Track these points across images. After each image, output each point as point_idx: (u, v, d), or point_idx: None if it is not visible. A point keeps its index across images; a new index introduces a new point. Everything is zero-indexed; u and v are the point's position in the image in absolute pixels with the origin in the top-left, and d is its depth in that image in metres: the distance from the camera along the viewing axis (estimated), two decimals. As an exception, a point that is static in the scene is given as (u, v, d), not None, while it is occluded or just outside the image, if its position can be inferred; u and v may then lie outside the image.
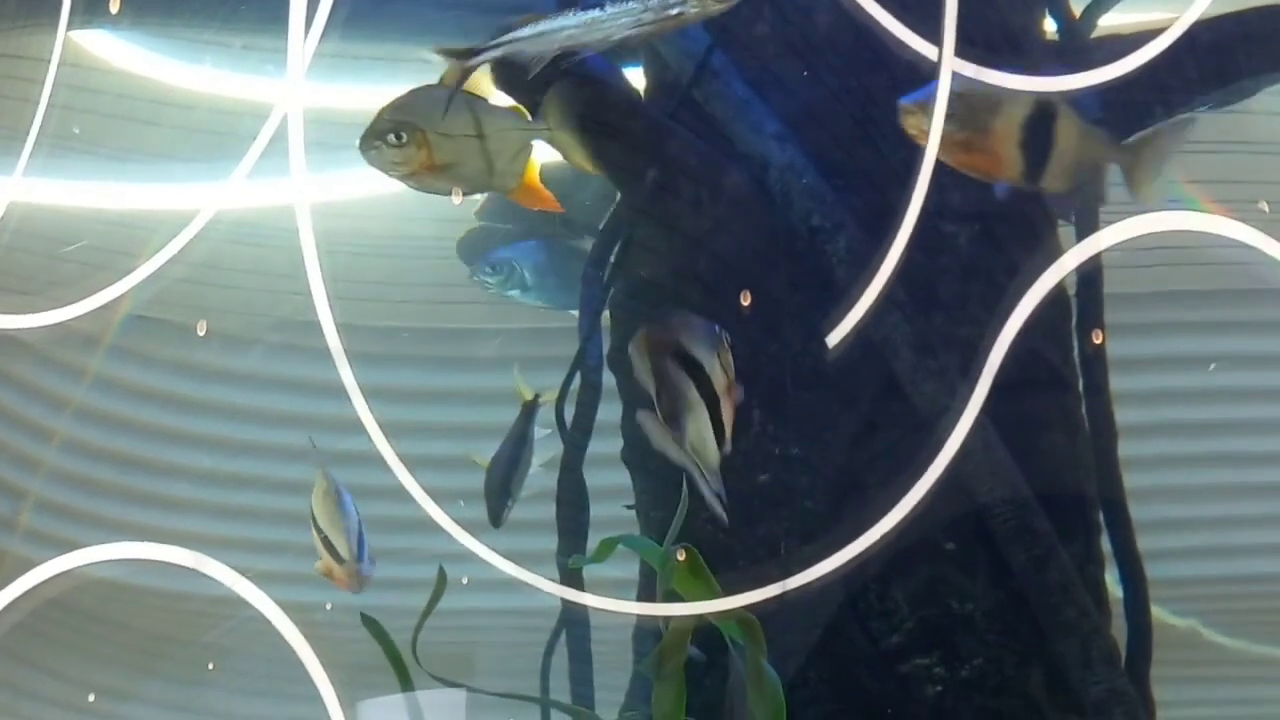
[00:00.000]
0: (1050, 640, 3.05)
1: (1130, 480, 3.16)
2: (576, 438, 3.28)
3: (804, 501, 3.10)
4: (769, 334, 3.13)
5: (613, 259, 3.29)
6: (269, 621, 2.52)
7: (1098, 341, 3.18)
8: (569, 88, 2.72)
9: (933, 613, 3.07)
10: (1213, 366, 3.67)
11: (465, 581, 2.64)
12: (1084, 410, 3.22)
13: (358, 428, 2.44)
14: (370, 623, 2.69)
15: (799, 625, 3.03)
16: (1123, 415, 3.16)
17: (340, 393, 2.43)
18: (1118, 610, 3.17)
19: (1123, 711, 3.04)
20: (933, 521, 2.71)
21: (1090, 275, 3.16)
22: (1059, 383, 3.20)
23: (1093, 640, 3.06)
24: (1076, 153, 2.56)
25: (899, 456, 2.97)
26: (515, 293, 3.32)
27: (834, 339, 2.60)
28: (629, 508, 3.22)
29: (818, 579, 2.63)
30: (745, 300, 3.06)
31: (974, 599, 3.08)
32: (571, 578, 2.95)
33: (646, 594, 2.89)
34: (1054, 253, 3.17)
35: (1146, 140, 2.58)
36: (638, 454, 3.24)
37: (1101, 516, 3.21)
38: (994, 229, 3.16)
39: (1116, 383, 3.16)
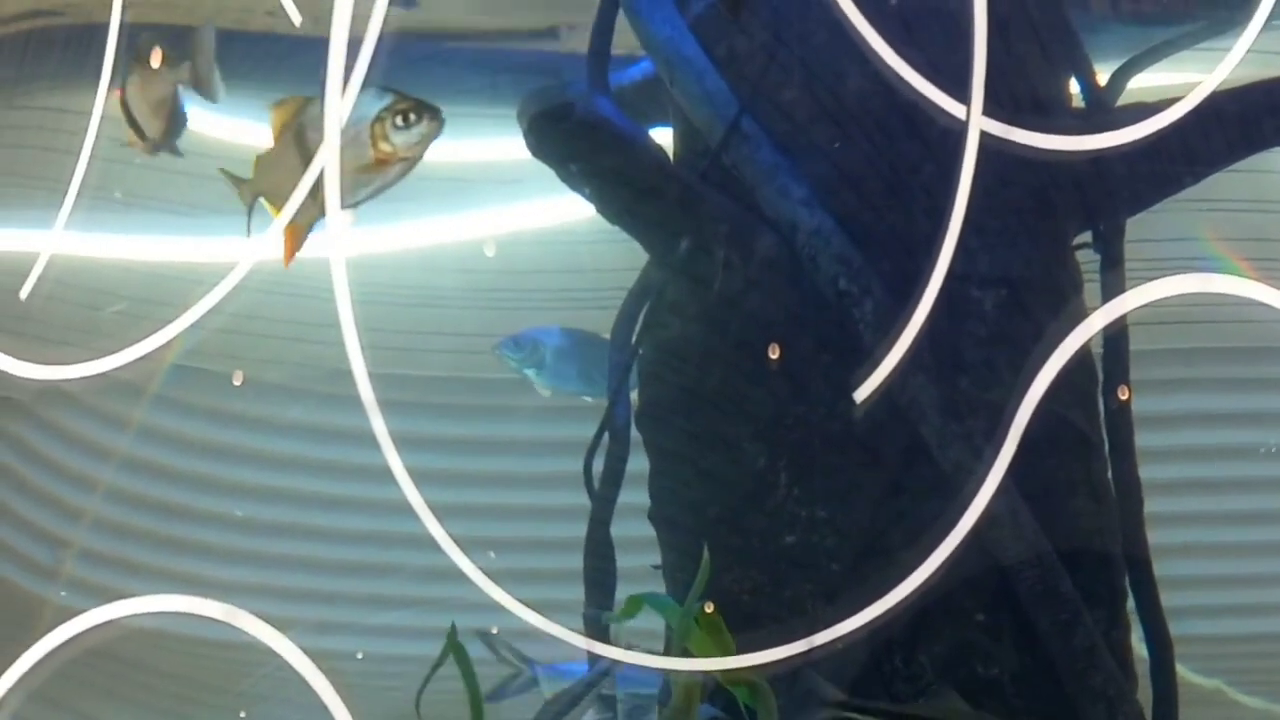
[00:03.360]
0: (1076, 706, 3.05)
1: (1155, 537, 3.17)
2: (604, 494, 3.31)
3: (830, 564, 3.11)
4: (796, 396, 3.15)
5: (641, 319, 3.32)
6: (292, 670, 2.54)
7: (1124, 398, 3.20)
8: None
9: (958, 676, 3.07)
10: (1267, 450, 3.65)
11: (495, 630, 2.66)
12: (1110, 473, 3.23)
13: (388, 476, 2.47)
14: (455, 644, 2.67)
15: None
16: (1148, 472, 3.17)
17: (372, 441, 2.46)
18: (1143, 673, 3.17)
19: (1148, 776, 3.04)
20: (958, 584, 2.72)
21: (1116, 335, 3.18)
22: (1085, 446, 3.22)
23: (1119, 706, 3.06)
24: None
25: (925, 519, 2.98)
26: (531, 371, 3.41)
27: (860, 395, 2.63)
28: (655, 568, 3.23)
29: (843, 637, 2.63)
30: (774, 354, 3.08)
31: (1000, 663, 3.08)
32: (597, 631, 2.97)
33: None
34: (1080, 317, 3.20)
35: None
36: (665, 514, 3.26)
37: (1127, 580, 3.21)
38: (1021, 294, 3.19)
39: (1141, 439, 3.17)
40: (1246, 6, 2.65)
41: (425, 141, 2.51)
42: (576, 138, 3.15)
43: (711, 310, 3.21)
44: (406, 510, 2.46)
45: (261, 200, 2.55)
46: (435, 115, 2.51)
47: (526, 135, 3.20)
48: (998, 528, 2.97)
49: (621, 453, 3.32)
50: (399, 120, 2.49)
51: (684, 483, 3.24)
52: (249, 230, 2.57)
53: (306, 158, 2.49)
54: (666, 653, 2.84)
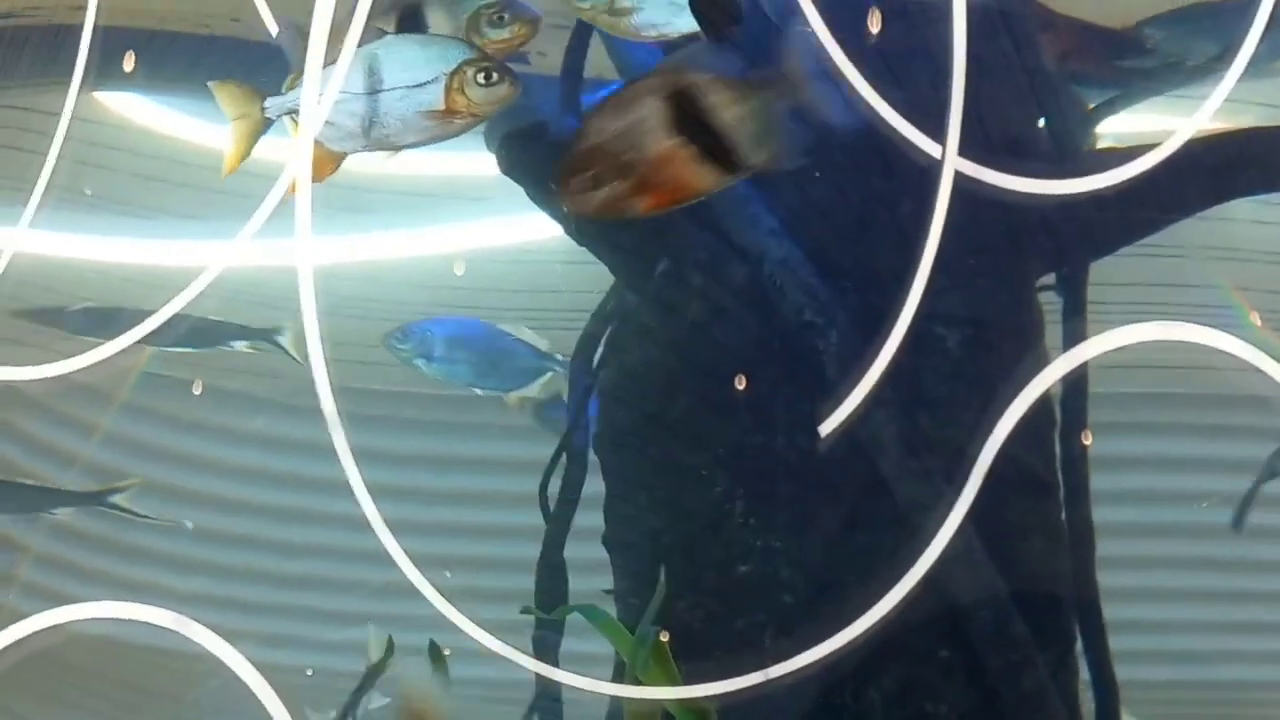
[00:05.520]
0: (1023, 747, 3.06)
1: (1106, 580, 3.18)
2: (559, 517, 3.30)
3: (783, 595, 3.11)
4: (757, 426, 3.15)
5: (604, 342, 3.32)
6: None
7: (1086, 444, 3.21)
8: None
9: (907, 713, 3.07)
10: (1204, 504, 3.67)
11: (448, 652, 2.65)
12: (1064, 517, 3.24)
13: (346, 490, 2.45)
14: (435, 652, 2.65)
15: (773, 720, 3.03)
16: (1100, 514, 3.18)
17: (331, 454, 2.44)
18: (1089, 716, 3.18)
19: (1092, 822, 3.04)
20: (911, 621, 2.72)
21: (1076, 379, 3.20)
22: (1041, 489, 3.23)
23: (1065, 749, 3.07)
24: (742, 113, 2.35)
25: (880, 555, 2.99)
26: (421, 363, 3.35)
27: (825, 429, 2.63)
28: (607, 593, 3.22)
29: (795, 671, 2.63)
30: (741, 384, 3.08)
31: (948, 701, 3.08)
32: (547, 653, 2.96)
33: (622, 674, 2.90)
34: (1042, 359, 3.21)
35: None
36: (620, 539, 3.25)
37: (1076, 624, 3.22)
38: (984, 333, 3.20)
39: (1096, 482, 3.18)
40: (1208, 63, 2.66)
41: (501, 103, 2.46)
42: (551, 157, 3.15)
43: (677, 337, 3.21)
44: (363, 525, 2.44)
45: (287, 119, 2.47)
46: (516, 81, 2.46)
47: (499, 153, 3.19)
48: (953, 567, 2.97)
49: (579, 476, 3.31)
50: (482, 77, 2.44)
51: (640, 508, 3.23)
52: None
53: (370, 88, 2.43)
54: (617, 679, 2.83)
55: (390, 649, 2.78)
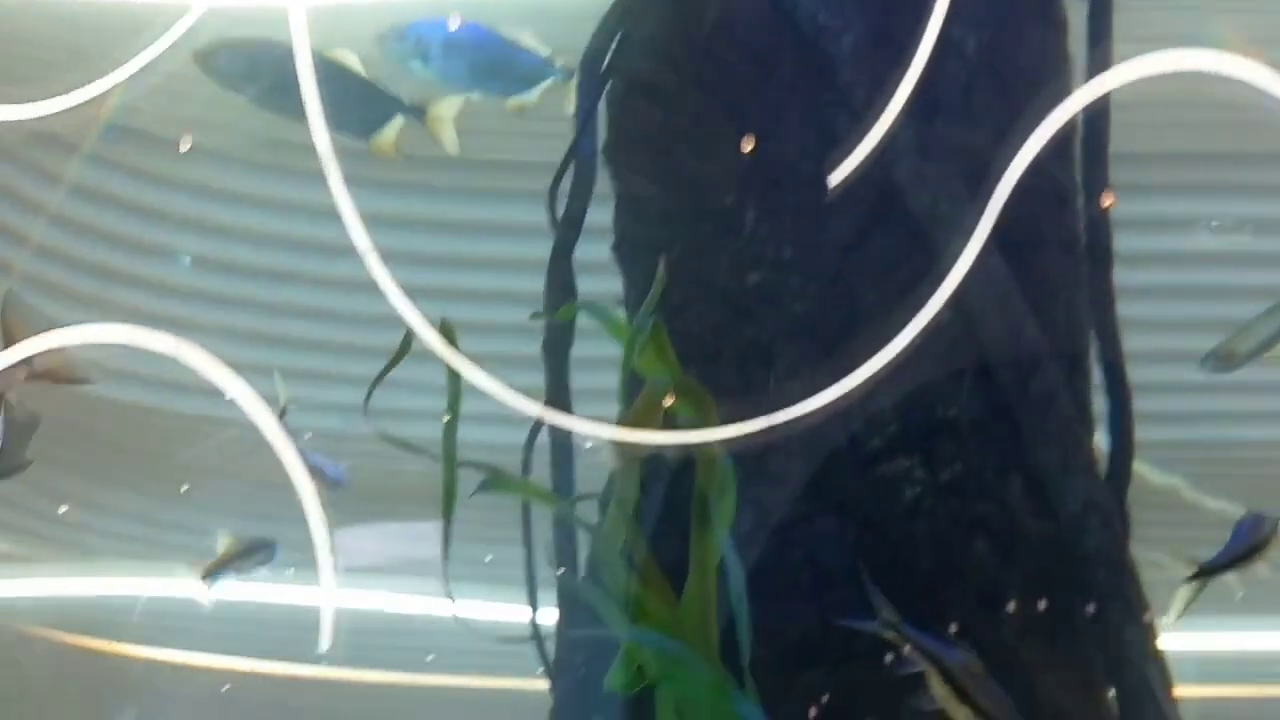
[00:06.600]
0: (1032, 448, 3.06)
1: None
2: (568, 228, 3.24)
3: (793, 304, 3.07)
4: (768, 134, 3.06)
5: (611, 51, 3.19)
6: (245, 443, 2.48)
7: (1106, 204, 3.12)
8: None
9: (920, 418, 3.07)
10: (1214, 224, 3.57)
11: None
12: (1082, 226, 3.19)
13: (350, 253, 2.37)
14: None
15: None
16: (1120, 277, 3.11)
17: (333, 215, 2.35)
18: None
19: (1099, 521, 3.05)
20: (925, 331, 2.69)
21: (1097, 117, 3.10)
22: (1058, 198, 3.15)
23: (1074, 451, 3.07)
24: None
25: (893, 263, 2.94)
26: (416, 64, 3.17)
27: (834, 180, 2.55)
28: (620, 303, 3.19)
29: (805, 416, 2.61)
30: (747, 146, 2.98)
31: (959, 405, 3.08)
32: (559, 399, 2.93)
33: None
34: (1062, 65, 3.10)
35: None
36: (628, 248, 3.20)
37: (1091, 332, 3.20)
38: (1001, 38, 3.08)
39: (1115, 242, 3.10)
40: None
41: None
42: None
43: (686, 45, 3.09)
44: (371, 288, 2.36)
45: None
46: None
47: None
48: (968, 275, 2.92)
49: (586, 187, 3.23)
50: None
51: (649, 217, 3.17)
52: None
53: None
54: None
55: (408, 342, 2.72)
